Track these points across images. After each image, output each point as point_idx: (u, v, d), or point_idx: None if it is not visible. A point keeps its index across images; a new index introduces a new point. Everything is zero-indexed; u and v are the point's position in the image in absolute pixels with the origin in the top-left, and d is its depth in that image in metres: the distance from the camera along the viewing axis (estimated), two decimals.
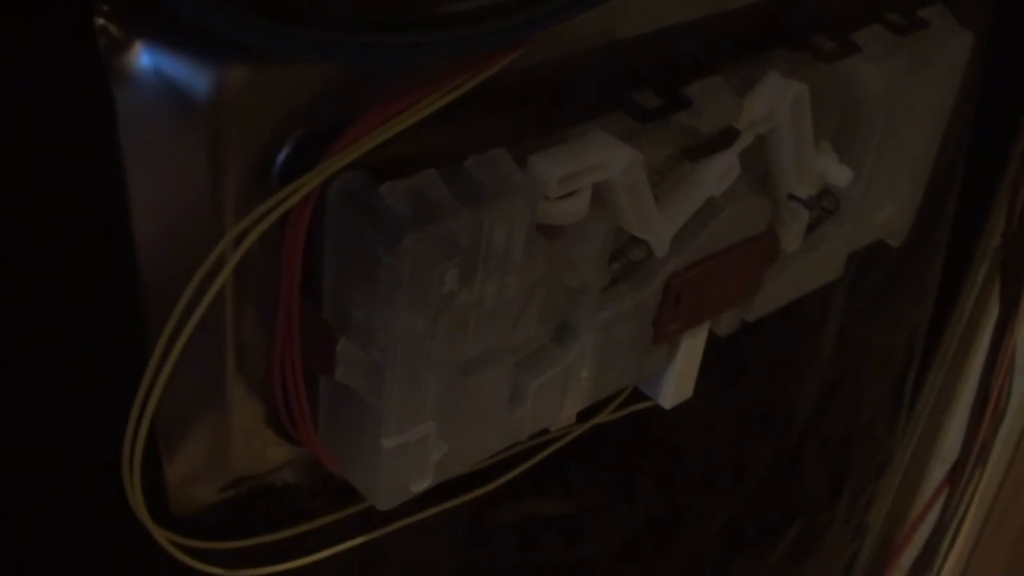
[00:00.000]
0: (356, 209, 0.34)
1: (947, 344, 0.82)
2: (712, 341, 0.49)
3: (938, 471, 0.89)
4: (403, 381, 0.36)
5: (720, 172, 0.42)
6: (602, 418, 0.51)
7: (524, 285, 0.38)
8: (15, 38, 0.31)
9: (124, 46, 0.33)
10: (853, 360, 0.72)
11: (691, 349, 0.47)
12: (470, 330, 0.37)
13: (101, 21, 0.32)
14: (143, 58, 0.33)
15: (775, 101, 0.43)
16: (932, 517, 0.80)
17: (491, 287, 0.36)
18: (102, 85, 0.33)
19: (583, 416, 0.48)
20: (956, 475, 0.76)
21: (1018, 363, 0.74)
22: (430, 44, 0.33)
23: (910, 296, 0.74)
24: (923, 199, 0.56)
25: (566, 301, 0.41)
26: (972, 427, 0.74)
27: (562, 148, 0.37)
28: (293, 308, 0.36)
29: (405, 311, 0.34)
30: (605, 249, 0.40)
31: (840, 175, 0.47)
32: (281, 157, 0.34)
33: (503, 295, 0.37)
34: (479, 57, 0.35)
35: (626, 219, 0.39)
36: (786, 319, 0.61)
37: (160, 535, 0.39)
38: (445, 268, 0.34)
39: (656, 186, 0.41)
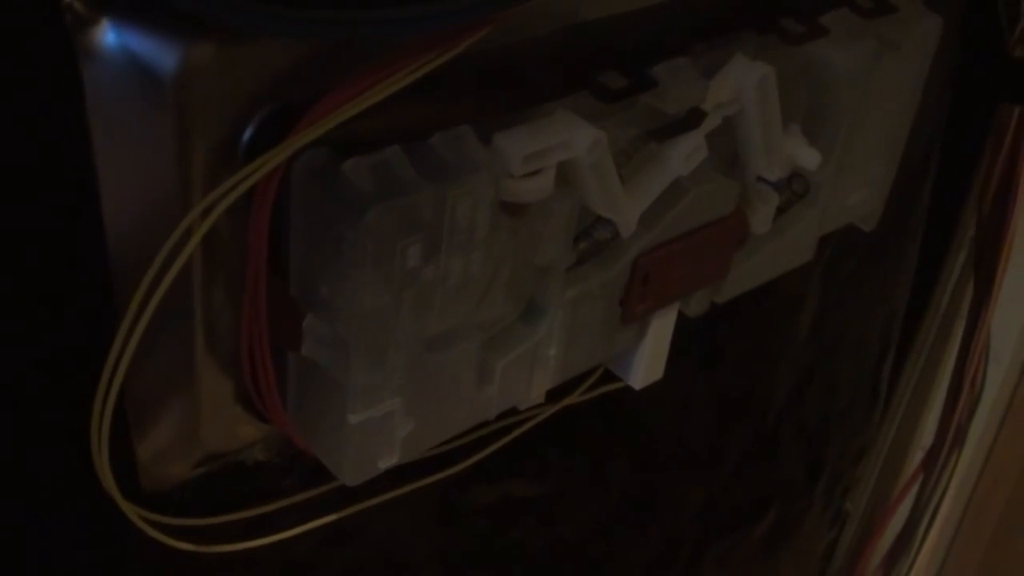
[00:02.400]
0: (320, 185, 0.34)
1: (925, 331, 0.83)
2: (687, 324, 0.49)
3: (917, 458, 0.90)
4: (368, 357, 0.36)
5: (686, 153, 0.42)
6: (573, 399, 0.52)
7: (489, 262, 0.38)
8: None
9: (91, 23, 0.33)
10: (830, 345, 0.73)
11: (660, 330, 0.48)
12: (435, 306, 0.37)
13: None
14: (110, 35, 0.33)
15: (742, 83, 0.43)
16: (909, 503, 0.81)
17: (456, 263, 0.37)
18: (69, 62, 0.33)
19: (554, 397, 0.48)
20: (931, 460, 0.77)
21: (993, 351, 0.75)
22: (396, 20, 0.33)
23: (886, 283, 0.75)
24: (898, 185, 0.57)
25: (533, 279, 0.41)
26: (947, 412, 0.75)
27: (527, 127, 0.37)
28: (260, 284, 0.37)
29: (369, 287, 0.35)
30: (570, 228, 0.40)
31: (809, 158, 0.48)
32: (247, 134, 0.35)
33: (468, 272, 0.37)
34: (445, 35, 0.35)
35: (591, 198, 0.40)
36: (762, 303, 0.62)
37: (130, 511, 0.40)
38: (408, 243, 0.35)
39: (622, 166, 0.41)
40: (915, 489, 0.79)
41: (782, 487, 0.78)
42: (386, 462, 0.40)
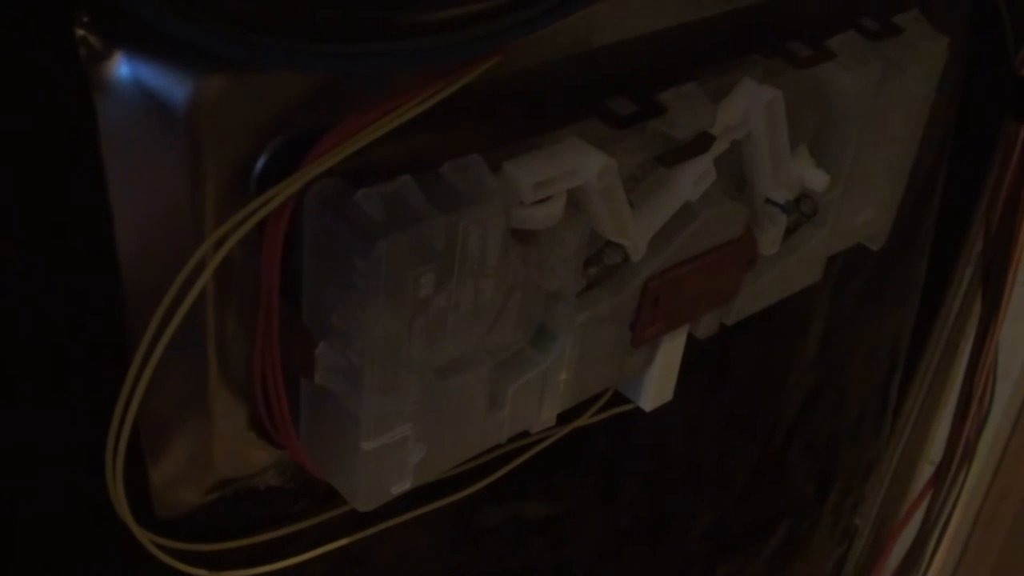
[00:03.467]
0: (332, 215, 0.35)
1: (933, 347, 0.83)
2: (696, 344, 0.49)
3: (926, 473, 0.90)
4: (381, 384, 0.37)
5: (695, 177, 0.42)
6: (583, 421, 0.52)
7: (500, 289, 0.38)
8: None
9: (104, 56, 0.33)
10: (838, 363, 0.73)
11: (670, 352, 0.48)
12: (447, 333, 0.38)
13: (81, 32, 0.33)
14: (123, 68, 0.33)
15: (750, 107, 0.43)
16: (918, 518, 0.81)
17: (467, 291, 0.37)
18: (83, 95, 0.33)
19: (564, 419, 0.48)
20: (940, 476, 0.77)
21: (1001, 366, 0.75)
22: (407, 53, 0.34)
23: (894, 299, 0.75)
24: (905, 204, 0.57)
25: (543, 305, 0.41)
26: (955, 428, 0.75)
27: (537, 154, 0.38)
28: (272, 313, 0.37)
29: (381, 315, 0.35)
30: (580, 253, 0.41)
31: (817, 179, 0.48)
32: (259, 164, 0.35)
33: (479, 299, 0.38)
34: (455, 65, 0.36)
35: (601, 224, 0.40)
36: (770, 323, 0.62)
37: (144, 537, 0.40)
38: (420, 272, 0.35)
39: (631, 192, 0.42)
40: (924, 504, 0.79)
41: (791, 503, 0.78)
42: (399, 487, 0.40)
